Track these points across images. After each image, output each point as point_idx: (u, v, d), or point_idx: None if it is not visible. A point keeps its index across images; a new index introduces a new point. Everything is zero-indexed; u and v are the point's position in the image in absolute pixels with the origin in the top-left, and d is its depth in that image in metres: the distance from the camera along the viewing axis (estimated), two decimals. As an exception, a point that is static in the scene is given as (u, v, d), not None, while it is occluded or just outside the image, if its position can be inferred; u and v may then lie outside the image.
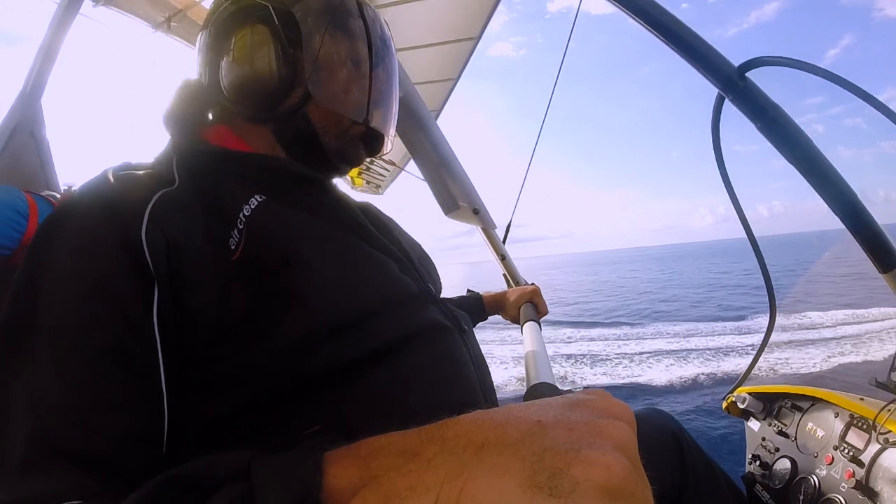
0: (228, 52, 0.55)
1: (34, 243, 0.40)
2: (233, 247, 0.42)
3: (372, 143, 0.62)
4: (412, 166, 1.24)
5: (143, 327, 0.36)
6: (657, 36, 0.71)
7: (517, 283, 1.32)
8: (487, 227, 1.27)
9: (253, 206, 0.45)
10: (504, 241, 1.37)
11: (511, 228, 1.47)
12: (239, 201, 0.45)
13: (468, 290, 1.11)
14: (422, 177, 1.19)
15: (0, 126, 1.06)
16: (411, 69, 1.43)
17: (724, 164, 0.88)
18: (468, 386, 0.51)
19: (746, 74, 0.72)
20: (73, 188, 1.04)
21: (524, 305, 1.03)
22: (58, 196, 1.03)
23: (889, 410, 0.77)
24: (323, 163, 0.60)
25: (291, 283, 0.42)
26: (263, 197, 0.47)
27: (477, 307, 1.05)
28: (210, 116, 0.61)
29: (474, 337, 0.63)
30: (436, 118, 2.31)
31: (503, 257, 1.31)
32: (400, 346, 0.46)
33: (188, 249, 0.39)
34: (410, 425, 0.38)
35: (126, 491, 0.26)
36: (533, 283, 1.14)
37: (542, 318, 1.04)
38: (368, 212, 0.67)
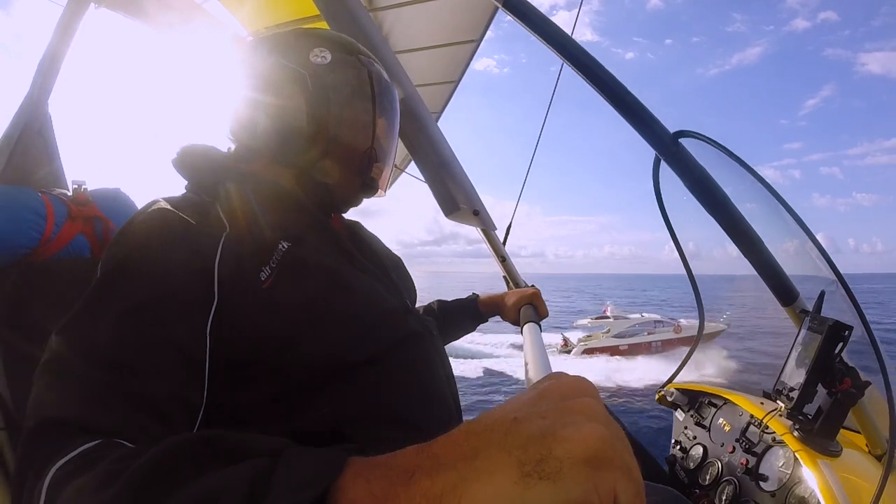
0: (262, 107, 0.65)
1: (129, 251, 0.50)
2: (263, 278, 0.54)
3: (370, 190, 0.75)
4: (413, 167, 1.25)
5: (199, 330, 0.48)
6: (606, 99, 0.82)
7: (517, 285, 1.30)
8: (488, 229, 1.26)
9: (282, 251, 0.57)
10: (504, 243, 1.37)
11: (510, 231, 1.45)
12: (271, 245, 0.57)
13: (472, 293, 1.14)
14: (422, 178, 1.21)
15: (9, 127, 1.08)
16: (412, 71, 1.41)
17: (664, 208, 1.01)
18: (437, 380, 0.66)
19: (679, 140, 0.84)
20: (84, 187, 1.11)
21: (524, 307, 1.04)
22: (69, 194, 1.09)
23: (772, 415, 0.96)
24: (330, 204, 0.73)
25: (311, 309, 0.55)
26: (289, 244, 0.58)
27: (475, 309, 1.08)
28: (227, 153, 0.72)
29: (440, 340, 0.77)
30: (437, 120, 2.30)
31: (503, 259, 1.30)
32: (389, 352, 0.60)
33: (240, 281, 0.52)
34: (399, 412, 0.53)
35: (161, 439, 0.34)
36: (533, 286, 1.15)
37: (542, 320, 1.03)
38: (355, 233, 0.80)
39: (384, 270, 0.74)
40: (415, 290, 0.85)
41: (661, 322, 18.80)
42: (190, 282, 0.49)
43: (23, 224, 0.96)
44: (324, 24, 1.14)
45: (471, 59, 1.92)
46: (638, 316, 19.93)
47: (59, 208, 1.01)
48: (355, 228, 0.82)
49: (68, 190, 1.13)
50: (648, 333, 18.41)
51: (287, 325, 0.53)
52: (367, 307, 0.62)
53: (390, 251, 0.85)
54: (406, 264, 0.86)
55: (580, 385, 0.27)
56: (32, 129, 1.12)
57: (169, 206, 0.56)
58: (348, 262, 0.67)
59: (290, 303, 0.54)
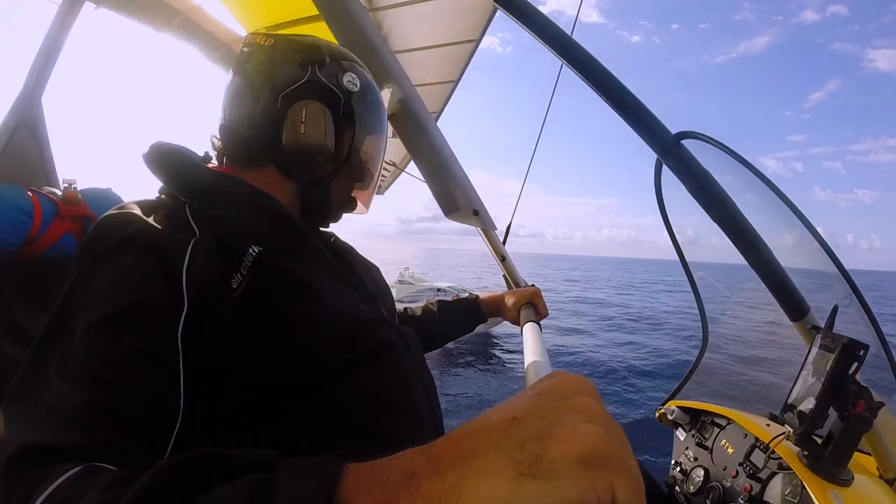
0: (294, 118, 0.64)
1: (94, 260, 0.49)
2: (234, 286, 0.52)
3: (352, 209, 0.78)
4: (412, 167, 1.25)
5: (171, 339, 0.46)
6: (607, 101, 0.78)
7: (517, 285, 1.30)
8: (487, 229, 1.25)
9: (252, 256, 0.55)
10: (504, 243, 1.36)
11: (510, 230, 1.42)
12: (240, 251, 0.55)
13: (469, 293, 1.15)
14: (422, 178, 1.21)
15: (1, 124, 1.09)
16: (412, 71, 1.42)
17: (666, 214, 0.96)
18: (413, 390, 0.64)
19: (681, 142, 0.79)
20: (74, 186, 1.10)
21: (524, 307, 1.04)
22: (58, 193, 1.09)
23: (779, 439, 0.90)
24: (319, 220, 0.74)
25: (282, 318, 0.54)
26: (260, 248, 0.56)
27: (474, 309, 1.09)
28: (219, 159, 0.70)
29: (419, 350, 0.75)
30: (436, 119, 2.31)
31: (503, 258, 1.28)
32: (360, 362, 0.58)
33: (209, 287, 0.50)
34: (368, 424, 0.52)
35: (143, 459, 0.33)
36: (533, 285, 1.15)
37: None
38: (332, 243, 0.79)
39: (359, 279, 0.74)
40: (392, 299, 0.84)
41: (444, 290, 17.69)
42: (158, 288, 0.47)
43: (8, 222, 0.95)
44: (323, 25, 1.12)
45: (470, 58, 1.93)
46: (427, 284, 19.16)
47: (47, 207, 1.00)
48: (332, 239, 0.81)
49: (59, 189, 1.12)
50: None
51: (258, 334, 0.52)
52: (341, 317, 0.60)
53: (366, 260, 0.85)
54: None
55: (580, 384, 0.27)
56: (25, 127, 1.12)
57: (135, 211, 0.54)
58: (326, 271, 0.66)
59: (261, 311, 0.53)
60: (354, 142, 0.69)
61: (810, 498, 0.82)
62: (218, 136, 0.69)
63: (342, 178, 0.71)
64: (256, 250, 0.55)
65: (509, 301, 1.07)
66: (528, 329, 0.89)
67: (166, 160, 0.63)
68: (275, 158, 0.66)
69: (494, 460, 0.22)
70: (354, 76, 0.69)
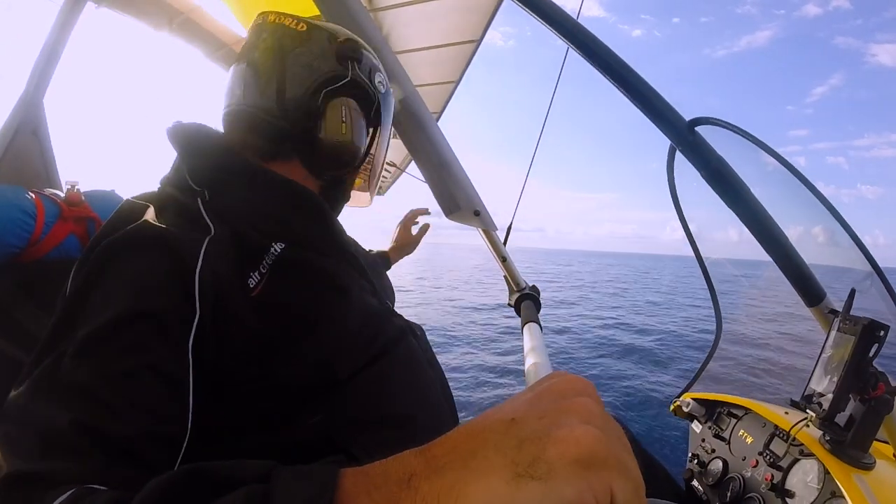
0: (333, 116, 0.62)
1: (96, 263, 0.45)
2: (251, 285, 0.49)
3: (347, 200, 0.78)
4: (413, 168, 1.26)
5: (181, 350, 0.42)
6: (618, 88, 0.78)
7: (518, 285, 1.31)
8: (488, 229, 1.27)
9: (275, 254, 0.52)
10: (505, 243, 1.38)
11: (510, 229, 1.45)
12: (261, 248, 0.52)
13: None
14: (423, 178, 1.21)
15: (3, 126, 1.08)
16: (413, 71, 1.43)
17: (678, 202, 0.96)
18: (428, 379, 0.64)
19: (696, 129, 0.79)
20: (77, 187, 1.08)
21: (524, 307, 1.05)
22: (61, 195, 1.07)
23: (800, 426, 0.89)
24: (335, 210, 0.73)
25: (307, 316, 0.52)
26: (283, 245, 0.54)
27: (384, 261, 1.09)
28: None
29: (426, 339, 0.74)
30: (437, 120, 2.32)
31: (504, 259, 1.31)
32: (380, 355, 0.58)
33: (225, 288, 0.47)
34: (392, 414, 0.51)
35: (139, 482, 0.30)
36: (534, 285, 1.19)
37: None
38: None
39: (366, 273, 0.72)
40: (393, 292, 0.85)
41: None
42: (166, 294, 0.44)
43: (10, 223, 0.94)
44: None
45: (471, 59, 1.94)
46: None
47: (49, 208, 0.99)
48: None
49: (62, 190, 1.11)
50: None
51: (279, 335, 0.49)
52: (363, 311, 0.60)
53: (368, 253, 0.87)
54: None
55: (579, 385, 0.27)
56: (27, 129, 1.11)
57: (145, 208, 0.52)
58: (349, 267, 0.65)
59: (283, 310, 0.51)
60: (377, 142, 0.70)
61: (834, 483, 0.81)
62: (229, 121, 0.64)
63: (356, 175, 0.73)
64: (280, 248, 0.53)
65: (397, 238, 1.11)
66: (529, 329, 0.89)
67: (192, 140, 0.60)
68: (303, 153, 0.63)
69: (492, 460, 0.22)
70: (383, 77, 0.70)
